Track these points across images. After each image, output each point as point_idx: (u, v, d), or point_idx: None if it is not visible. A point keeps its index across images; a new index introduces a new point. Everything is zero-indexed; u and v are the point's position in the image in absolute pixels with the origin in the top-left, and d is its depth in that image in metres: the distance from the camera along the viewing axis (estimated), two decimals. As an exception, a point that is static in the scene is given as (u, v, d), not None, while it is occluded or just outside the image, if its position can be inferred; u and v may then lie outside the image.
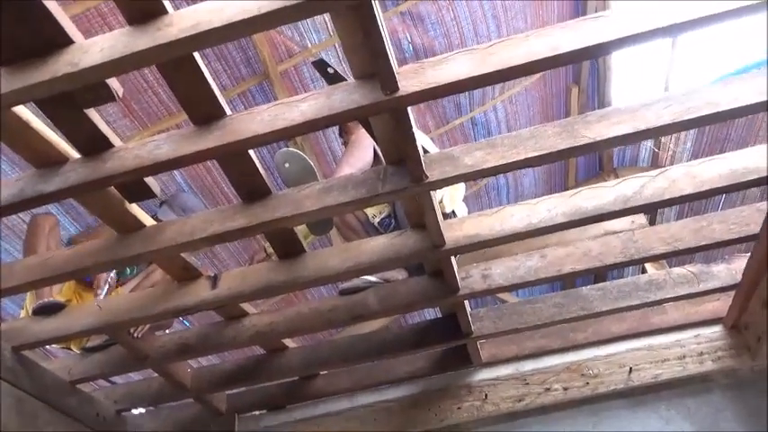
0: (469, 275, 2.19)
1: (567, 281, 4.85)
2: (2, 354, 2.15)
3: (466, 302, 2.28)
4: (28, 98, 1.38)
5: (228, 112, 1.57)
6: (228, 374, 2.66)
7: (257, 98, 3.46)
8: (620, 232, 2.17)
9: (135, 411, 2.94)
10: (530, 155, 1.64)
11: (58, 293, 2.63)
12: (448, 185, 1.76)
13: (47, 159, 1.64)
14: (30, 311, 2.37)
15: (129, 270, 2.75)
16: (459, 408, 2.57)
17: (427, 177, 1.66)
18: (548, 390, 2.50)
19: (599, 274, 4.36)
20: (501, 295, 5.00)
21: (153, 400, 2.78)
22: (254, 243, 3.83)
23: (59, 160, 1.65)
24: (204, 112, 1.55)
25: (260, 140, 1.53)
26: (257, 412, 2.92)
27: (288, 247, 2.03)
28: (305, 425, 2.72)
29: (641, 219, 4.05)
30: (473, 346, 2.55)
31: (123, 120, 2.84)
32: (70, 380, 2.45)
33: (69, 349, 2.80)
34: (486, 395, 2.56)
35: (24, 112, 1.52)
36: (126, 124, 2.79)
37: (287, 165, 1.99)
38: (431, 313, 4.54)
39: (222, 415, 2.88)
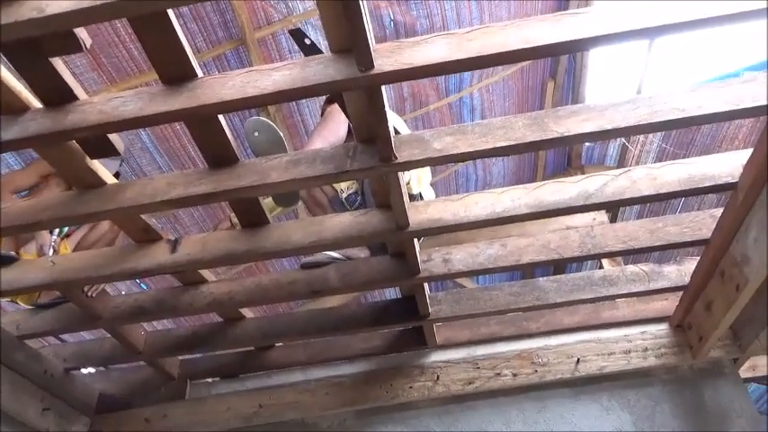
0: (431, 259, 2.21)
1: (527, 271, 4.96)
2: (-53, 303, 2.09)
3: (425, 285, 2.31)
4: (-11, 40, 1.32)
5: (200, 74, 1.54)
6: (183, 340, 2.64)
7: (232, 63, 3.40)
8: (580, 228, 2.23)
9: (84, 371, 2.90)
10: (498, 144, 1.66)
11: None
12: (416, 168, 1.77)
13: (6, 107, 1.58)
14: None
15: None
16: (410, 387, 2.61)
17: (396, 158, 1.66)
18: (498, 375, 2.57)
19: (558, 267, 4.47)
20: (461, 281, 5.08)
21: (103, 360, 2.74)
22: (219, 212, 3.80)
23: (20, 108, 1.59)
24: (174, 71, 1.51)
25: (229, 106, 1.51)
26: (210, 379, 2.92)
27: (251, 217, 2.02)
28: (257, 394, 2.72)
29: (603, 216, 4.14)
30: (429, 328, 2.59)
31: (91, 73, 2.75)
32: (18, 335, 2.40)
33: (16, 303, 2.73)
34: (437, 376, 2.61)
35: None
36: (93, 78, 2.71)
37: (256, 133, 1.97)
38: (390, 293, 4.59)
39: (174, 380, 2.87)
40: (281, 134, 2.00)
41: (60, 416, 2.57)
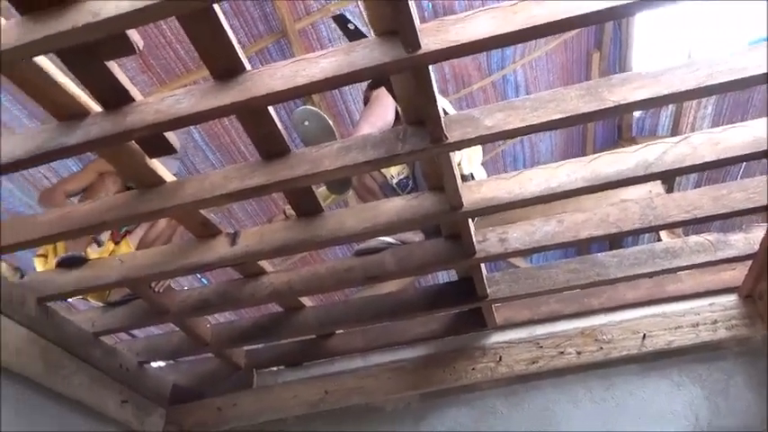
0: (486, 239, 2.19)
1: (583, 247, 4.85)
2: (26, 305, 2.21)
3: (482, 266, 2.29)
4: (48, 49, 1.38)
5: (248, 67, 1.56)
6: (247, 331, 2.71)
7: (275, 56, 3.43)
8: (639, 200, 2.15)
9: (155, 364, 3.02)
10: (551, 117, 1.62)
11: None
12: (468, 147, 1.74)
13: (69, 112, 1.65)
14: (52, 265, 2.43)
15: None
16: (473, 368, 2.61)
17: (447, 138, 1.65)
18: (561, 353, 2.53)
19: (614, 241, 4.34)
20: (514, 261, 5.01)
21: (173, 353, 2.85)
22: (272, 206, 3.87)
23: (81, 113, 1.66)
24: (224, 66, 1.54)
25: (280, 97, 1.53)
26: (275, 368, 3.00)
27: (306, 206, 2.04)
28: (321, 381, 2.77)
29: (659, 188, 4.00)
30: (488, 309, 2.57)
31: (141, 75, 2.84)
32: (93, 332, 2.52)
33: (87, 301, 2.86)
34: (500, 357, 2.59)
35: (47, 64, 1.53)
36: (144, 80, 2.80)
37: (306, 123, 1.99)
38: (444, 277, 4.57)
39: (241, 369, 2.95)
40: (330, 122, 2.02)
41: (138, 407, 2.69)
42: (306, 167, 1.75)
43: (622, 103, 1.60)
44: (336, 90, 3.39)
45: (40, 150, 1.66)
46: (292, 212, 2.32)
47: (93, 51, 1.49)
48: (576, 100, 1.63)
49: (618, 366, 2.49)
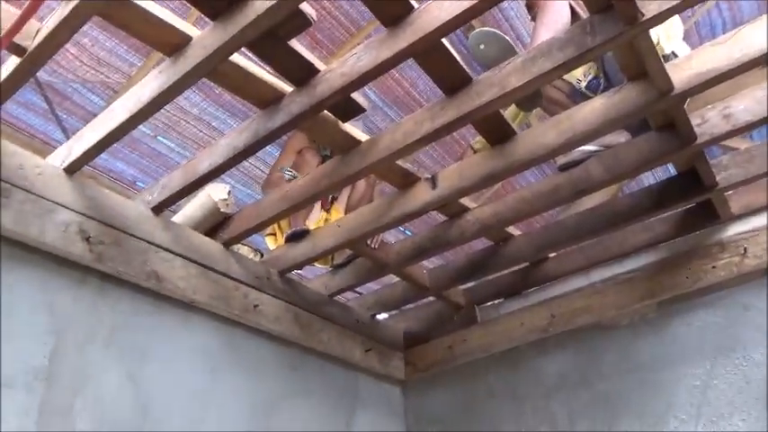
0: (706, 119, 1.94)
1: None
2: (272, 279, 2.51)
3: (705, 152, 2.04)
4: (241, 43, 1.50)
5: (415, 5, 1.54)
6: (461, 270, 2.77)
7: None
8: None
9: (384, 315, 3.25)
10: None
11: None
12: (668, 18, 1.53)
13: (267, 99, 1.80)
14: (281, 241, 2.71)
15: None
16: (713, 267, 2.36)
17: (643, 15, 1.47)
18: (824, 231, 2.17)
19: None
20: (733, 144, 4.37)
21: (399, 302, 3.03)
22: (455, 147, 3.86)
23: (278, 97, 1.80)
24: (392, 11, 1.54)
25: (451, 25, 1.49)
26: (495, 301, 3.04)
27: (498, 132, 1.99)
28: (546, 306, 2.74)
29: None
30: (720, 198, 2.29)
31: (313, 53, 2.98)
32: (328, 294, 2.78)
33: (315, 266, 3.15)
34: (744, 249, 2.31)
35: (239, 59, 1.68)
36: (316, 56, 2.93)
37: (482, 46, 1.92)
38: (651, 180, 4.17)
39: (462, 308, 3.05)
40: (508, 38, 1.92)
41: (380, 354, 2.94)
42: (494, 90, 1.70)
43: None
44: (497, 9, 3.21)
45: (255, 138, 1.84)
46: (480, 146, 2.28)
47: (275, 35, 1.59)
48: None
49: None
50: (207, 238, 2.28)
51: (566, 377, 2.65)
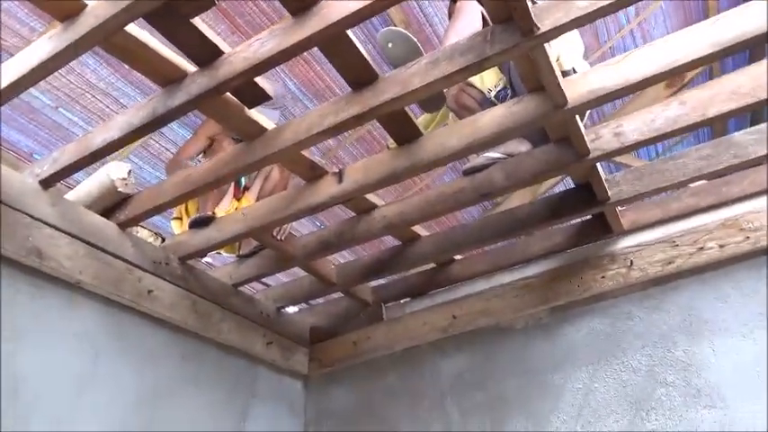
0: (599, 136, 2.04)
1: (716, 129, 4.38)
2: (171, 265, 2.43)
3: (599, 167, 2.15)
4: (134, 14, 1.44)
5: (321, -5, 1.54)
6: (369, 267, 2.79)
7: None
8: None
9: (291, 309, 3.23)
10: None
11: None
12: (561, 34, 1.60)
13: (169, 77, 1.75)
14: (185, 226, 2.64)
15: (243, 179, 2.91)
16: (602, 277, 2.49)
17: (538, 29, 1.53)
18: (701, 249, 2.33)
19: (754, 117, 3.85)
20: (630, 162, 4.63)
21: (306, 296, 3.02)
22: (376, 146, 3.89)
23: (180, 76, 1.75)
24: (298, 0, 1.53)
25: (355, 18, 1.49)
26: (402, 300, 3.08)
27: (404, 131, 2.02)
28: (449, 307, 2.81)
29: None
30: (612, 213, 2.42)
31: (232, 37, 2.93)
32: (232, 283, 2.73)
33: (221, 255, 3.09)
34: (630, 262, 2.45)
35: (141, 33, 1.61)
36: (235, 40, 2.88)
37: (390, 45, 1.94)
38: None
39: (370, 305, 3.07)
40: (415, 39, 1.95)
41: (282, 347, 2.91)
42: (396, 89, 1.72)
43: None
44: (419, 11, 3.25)
45: (152, 116, 1.78)
46: (394, 146, 2.31)
47: (176, 11, 1.54)
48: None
49: (770, 255, 2.26)
50: (100, 218, 2.18)
51: (461, 377, 2.71)
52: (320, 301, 3.27)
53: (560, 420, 2.41)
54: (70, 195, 2.24)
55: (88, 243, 2.07)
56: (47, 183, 2.00)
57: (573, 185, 2.40)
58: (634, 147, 2.00)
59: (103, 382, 2.05)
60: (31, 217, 1.91)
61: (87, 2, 1.51)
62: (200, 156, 2.82)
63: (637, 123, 1.99)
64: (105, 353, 2.09)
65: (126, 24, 1.48)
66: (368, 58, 1.71)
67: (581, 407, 2.39)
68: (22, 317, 1.86)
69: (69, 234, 2.01)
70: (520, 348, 2.62)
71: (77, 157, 1.92)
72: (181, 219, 2.83)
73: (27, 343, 1.85)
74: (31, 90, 2.51)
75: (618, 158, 3.99)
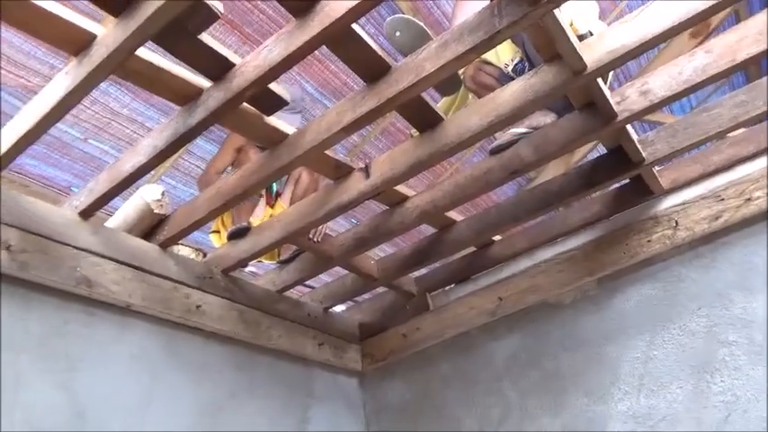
0: (625, 97, 1.97)
1: (752, 73, 4.19)
2: (215, 278, 2.48)
3: (629, 128, 2.08)
4: (144, 38, 1.47)
5: (321, -7, 1.54)
6: (408, 258, 2.79)
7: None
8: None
9: (337, 308, 3.25)
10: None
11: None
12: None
13: (185, 95, 1.78)
14: (224, 238, 2.68)
15: (274, 185, 2.94)
16: (648, 241, 2.42)
17: (545, -6, 1.48)
18: (748, 200, 2.23)
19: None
20: (661, 119, 4.47)
21: (350, 294, 3.03)
22: (400, 136, 3.87)
23: (196, 93, 1.78)
24: (299, 1, 1.54)
25: (358, 11, 1.49)
26: (446, 288, 3.06)
27: (424, 118, 2.00)
28: (494, 289, 2.78)
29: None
30: (649, 174, 2.35)
31: (243, 47, 2.96)
32: (276, 289, 2.77)
33: (261, 262, 3.13)
34: (676, 222, 2.37)
35: (153, 56, 1.65)
36: (247, 50, 2.91)
37: (397, 33, 1.92)
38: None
39: (414, 296, 3.06)
40: (422, 24, 1.93)
41: (334, 347, 2.94)
42: (410, 77, 1.70)
43: None
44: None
45: (175, 136, 1.82)
46: (418, 134, 2.29)
47: (184, 30, 1.56)
48: None
49: (825, 197, 2.14)
50: (141, 240, 2.25)
51: (515, 358, 2.68)
52: (366, 296, 3.28)
53: (622, 392, 2.35)
54: (110, 222, 2.31)
55: (133, 266, 2.13)
56: (86, 213, 2.07)
57: (605, 151, 2.34)
58: (663, 103, 1.92)
59: (163, 398, 2.11)
60: (76, 248, 1.98)
61: (95, 32, 1.55)
62: (229, 168, 2.86)
63: (663, 78, 1.92)
64: (162, 370, 2.15)
65: (136, 49, 1.51)
66: (377, 49, 1.70)
67: (641, 376, 2.33)
68: (77, 345, 1.93)
69: (114, 260, 2.08)
70: (571, 323, 2.57)
71: (111, 185, 1.98)
72: (218, 231, 2.89)
73: (85, 369, 1.92)
74: (59, 125, 2.59)
75: (650, 117, 3.85)
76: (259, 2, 2.81)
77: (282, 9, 2.51)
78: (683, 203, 2.39)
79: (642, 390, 2.32)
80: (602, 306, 2.51)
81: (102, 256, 2.05)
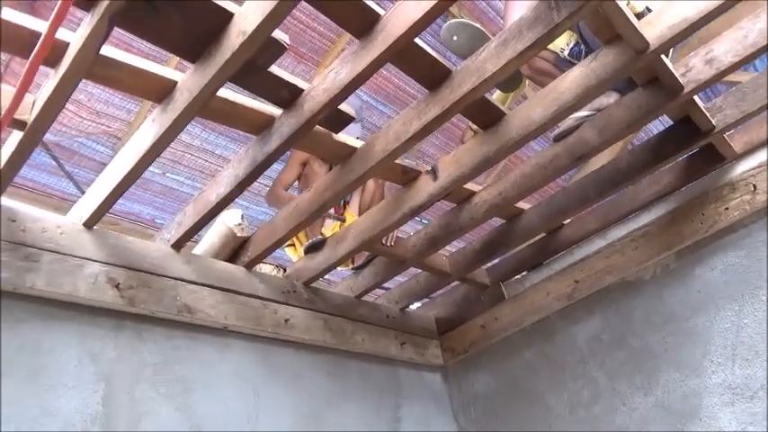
0: (690, 68, 1.95)
1: None
2: (298, 291, 2.59)
3: (697, 99, 2.05)
4: (222, 80, 1.56)
5: (381, 12, 1.59)
6: (480, 251, 2.82)
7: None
8: None
9: (414, 306, 3.32)
10: None
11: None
12: (629, -20, 1.55)
13: (260, 125, 1.87)
14: (300, 249, 2.79)
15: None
16: (726, 208, 2.37)
17: (603, -18, 1.49)
18: (830, 155, 2.16)
19: None
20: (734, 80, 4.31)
21: (425, 291, 3.09)
22: (454, 129, 3.89)
23: (268, 122, 1.87)
24: (360, 22, 1.59)
25: (421, 24, 1.53)
26: (519, 275, 3.08)
27: (487, 116, 2.03)
28: (568, 273, 2.78)
29: None
30: (720, 140, 2.30)
31: (299, 66, 3.06)
32: (354, 295, 2.85)
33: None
34: (753, 186, 2.31)
35: (227, 93, 1.74)
36: (303, 69, 3.00)
37: (455, 38, 1.95)
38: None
39: (488, 287, 3.10)
40: (478, 25, 1.95)
41: (415, 345, 3.01)
42: (472, 79, 1.73)
43: None
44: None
45: (254, 165, 1.91)
46: (476, 127, 2.32)
47: (255, 65, 1.65)
48: None
49: None
50: (229, 264, 2.37)
51: (599, 339, 2.68)
52: (439, 292, 3.33)
53: (715, 364, 2.32)
54: (197, 250, 2.44)
55: (225, 289, 2.26)
56: (177, 245, 2.20)
57: (670, 123, 2.30)
58: (730, 70, 1.89)
59: (268, 411, 2.23)
60: (174, 278, 2.12)
61: (175, 79, 1.66)
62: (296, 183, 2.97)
63: (729, 44, 1.88)
64: (262, 384, 2.27)
65: (216, 91, 1.60)
66: (438, 57, 1.74)
67: (734, 346, 2.29)
68: (186, 369, 2.06)
69: (208, 285, 2.21)
70: (654, 299, 2.55)
71: (198, 217, 2.10)
72: (293, 245, 3.00)
73: (196, 390, 2.05)
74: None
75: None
76: (310, 20, 2.89)
77: (333, 24, 2.58)
78: (759, 166, 2.33)
79: (736, 360, 2.28)
80: (685, 279, 2.48)
81: (197, 284, 2.18)
